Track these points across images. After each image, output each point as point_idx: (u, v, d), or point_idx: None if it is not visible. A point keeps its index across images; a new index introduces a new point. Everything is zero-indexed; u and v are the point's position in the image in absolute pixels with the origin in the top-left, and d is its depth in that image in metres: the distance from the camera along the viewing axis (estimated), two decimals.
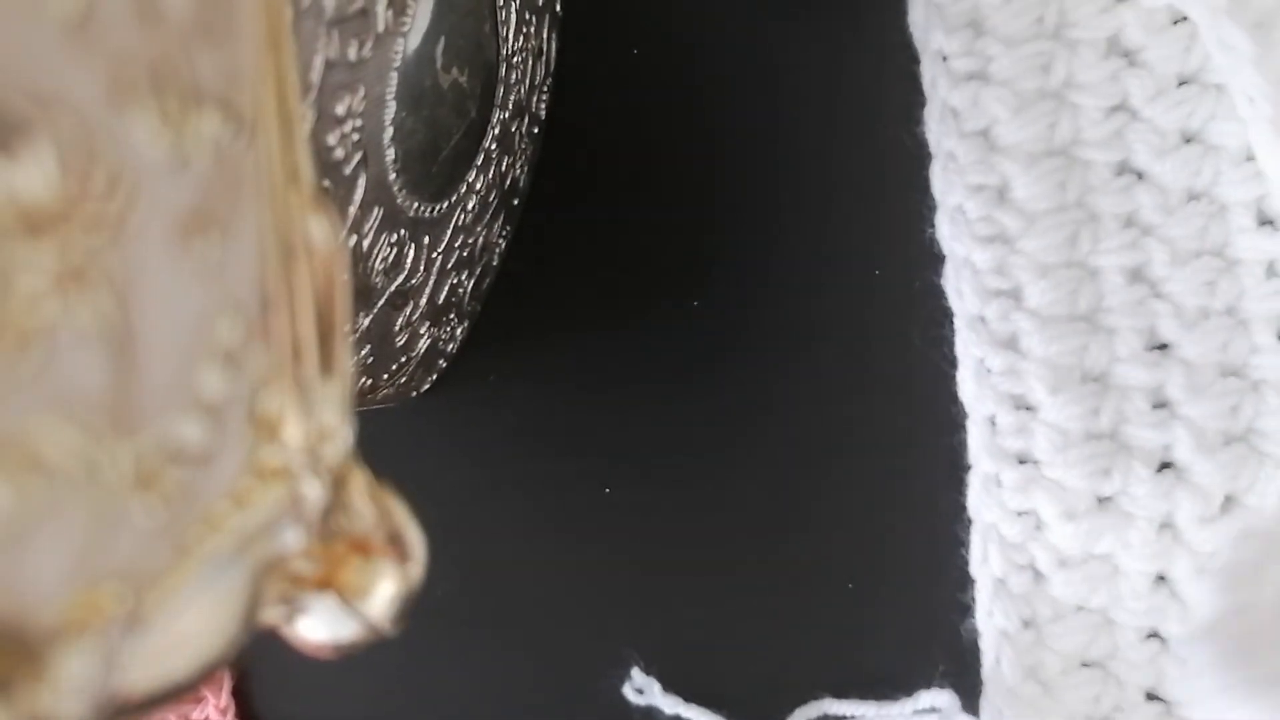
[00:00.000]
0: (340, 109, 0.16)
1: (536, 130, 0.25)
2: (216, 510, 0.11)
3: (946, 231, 0.23)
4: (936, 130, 0.23)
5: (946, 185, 0.23)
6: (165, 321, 0.10)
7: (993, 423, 0.23)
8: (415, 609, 0.13)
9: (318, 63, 0.15)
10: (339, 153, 0.16)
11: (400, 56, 0.17)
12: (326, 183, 0.16)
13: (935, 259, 0.24)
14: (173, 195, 0.10)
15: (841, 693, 0.24)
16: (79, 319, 0.09)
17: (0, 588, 0.09)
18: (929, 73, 0.24)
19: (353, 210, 0.17)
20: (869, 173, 0.24)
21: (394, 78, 0.17)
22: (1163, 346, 0.23)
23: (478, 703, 0.26)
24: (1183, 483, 0.22)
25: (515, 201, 0.25)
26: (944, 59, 0.23)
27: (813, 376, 0.24)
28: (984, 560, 0.23)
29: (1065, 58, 0.23)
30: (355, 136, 0.16)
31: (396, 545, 0.13)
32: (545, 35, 0.24)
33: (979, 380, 0.23)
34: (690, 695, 0.24)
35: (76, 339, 0.09)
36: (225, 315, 0.11)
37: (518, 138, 0.24)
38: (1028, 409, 0.23)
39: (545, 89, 0.25)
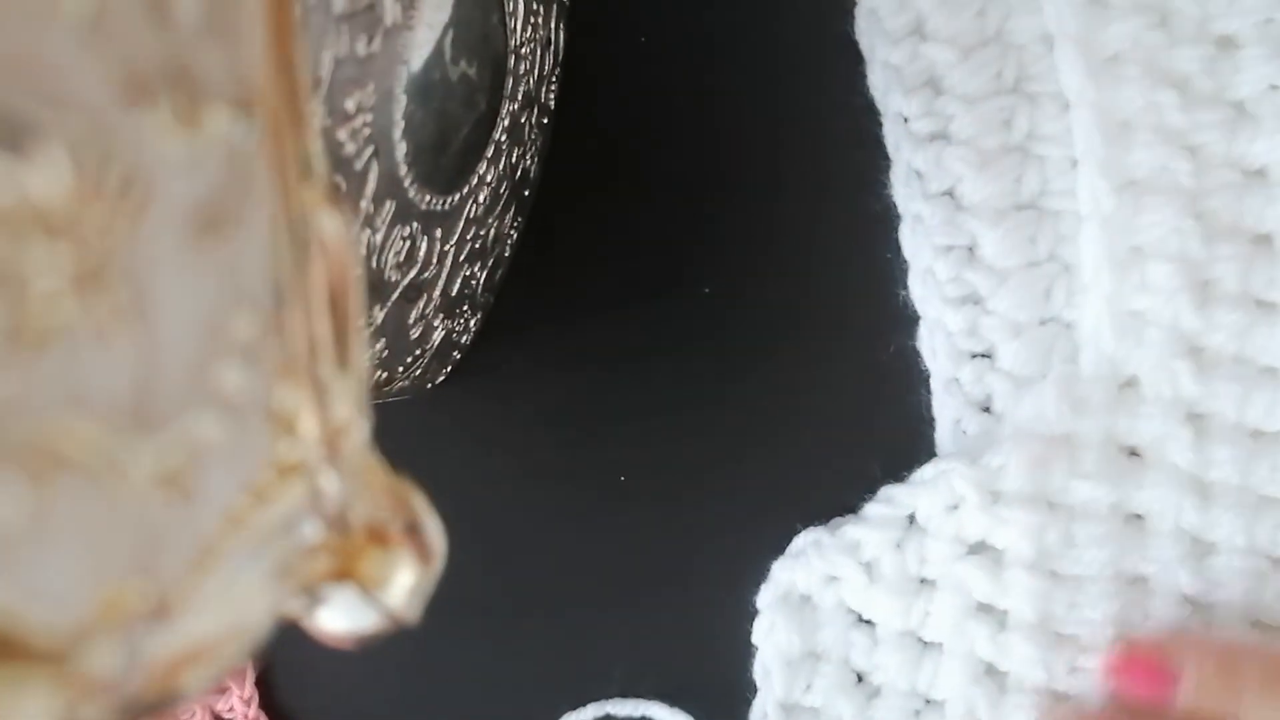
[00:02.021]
0: (350, 104, 0.16)
1: (546, 121, 0.25)
2: (237, 505, 0.11)
3: (918, 293, 0.23)
4: (903, 193, 0.23)
5: (915, 247, 0.23)
6: (182, 319, 0.10)
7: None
8: (432, 598, 0.13)
9: (327, 59, 0.15)
10: (350, 148, 0.16)
11: (409, 50, 0.17)
12: (338, 178, 0.16)
13: (910, 321, 0.24)
14: (186, 193, 0.10)
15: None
16: (97, 318, 0.09)
17: (26, 586, 0.09)
18: (891, 136, 0.23)
19: (365, 204, 0.17)
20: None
21: (403, 72, 0.17)
22: None
23: (496, 689, 0.26)
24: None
25: (526, 192, 0.25)
26: (905, 121, 0.23)
27: (821, 367, 0.24)
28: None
29: (1027, 111, 0.23)
30: (366, 131, 0.16)
31: (414, 536, 0.13)
32: (553, 26, 0.24)
33: (956, 443, 0.23)
34: (706, 681, 0.24)
35: (95, 338, 0.09)
36: (241, 311, 0.11)
37: (527, 129, 0.24)
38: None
39: (554, 79, 0.25)
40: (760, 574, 0.24)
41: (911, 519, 0.23)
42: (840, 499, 0.24)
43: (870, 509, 0.23)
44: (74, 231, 0.08)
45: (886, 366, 0.24)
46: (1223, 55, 0.21)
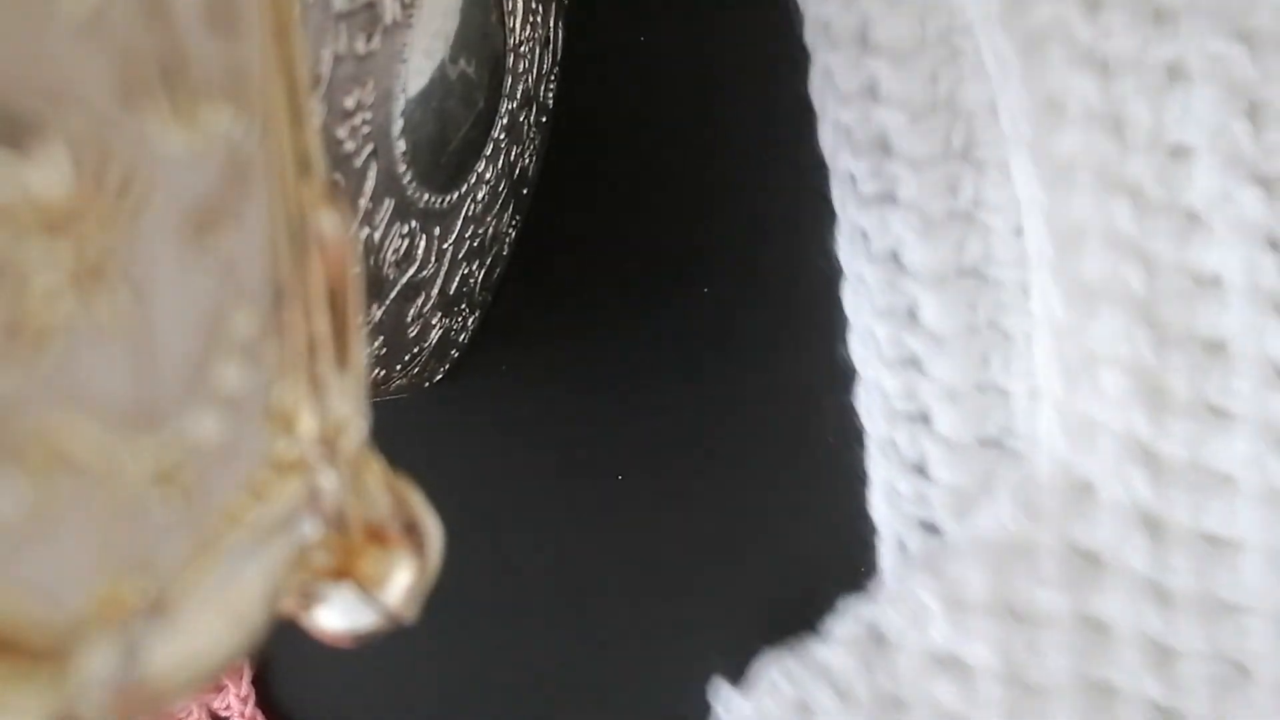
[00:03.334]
0: (349, 102, 0.16)
1: (545, 119, 0.25)
2: (235, 503, 0.11)
3: (858, 353, 0.23)
4: (847, 251, 0.23)
5: (856, 307, 0.23)
6: (181, 316, 0.10)
7: (903, 545, 0.23)
8: (431, 597, 0.13)
9: (326, 56, 0.15)
10: (349, 146, 0.16)
11: (408, 49, 0.17)
12: (337, 175, 0.16)
13: (849, 376, 0.24)
14: (186, 191, 0.10)
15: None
16: (97, 316, 0.09)
17: (24, 583, 0.09)
18: (838, 194, 0.23)
19: (364, 203, 0.17)
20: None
21: (402, 70, 0.17)
22: None
23: (494, 688, 0.26)
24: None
25: (524, 191, 0.25)
26: (852, 180, 0.23)
27: (819, 367, 0.25)
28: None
29: (973, 177, 0.22)
30: (365, 129, 0.16)
31: (413, 534, 0.13)
32: (552, 24, 0.24)
33: (890, 503, 0.23)
34: (706, 679, 0.24)
35: (94, 336, 0.09)
36: (240, 309, 0.11)
37: (526, 127, 0.24)
38: (936, 533, 0.23)
39: (553, 78, 0.25)
40: (760, 568, 0.24)
41: (878, 635, 0.23)
42: (849, 474, 0.24)
43: (838, 629, 0.23)
44: (74, 229, 0.08)
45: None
46: (1175, 164, 0.21)
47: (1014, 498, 0.22)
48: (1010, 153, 0.22)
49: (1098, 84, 0.21)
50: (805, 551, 0.24)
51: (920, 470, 0.23)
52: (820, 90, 0.23)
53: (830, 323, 0.24)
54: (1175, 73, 0.21)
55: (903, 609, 0.22)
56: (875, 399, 0.23)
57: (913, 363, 0.23)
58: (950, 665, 0.22)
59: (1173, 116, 0.21)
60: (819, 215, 0.25)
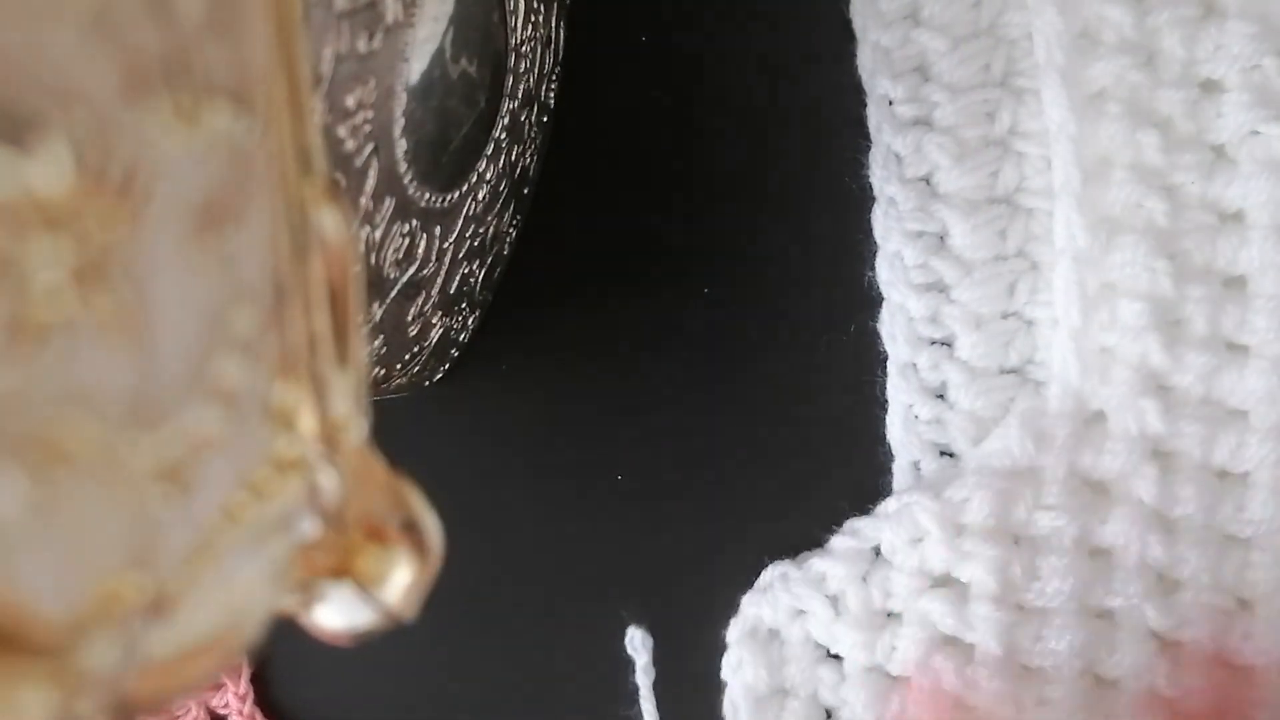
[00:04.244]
0: (351, 101, 0.16)
1: (546, 119, 0.25)
2: (235, 501, 0.11)
3: (884, 276, 0.23)
4: (879, 175, 0.23)
5: (886, 230, 0.23)
6: (182, 314, 0.10)
7: (917, 468, 0.23)
8: (430, 595, 0.13)
9: (328, 55, 0.15)
10: (350, 144, 0.16)
11: (409, 48, 0.17)
12: (338, 174, 0.16)
13: (875, 302, 0.24)
14: (187, 188, 0.10)
15: None
16: (97, 313, 0.09)
17: (24, 580, 0.09)
18: (874, 117, 0.23)
19: (364, 201, 0.17)
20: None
21: (404, 69, 0.17)
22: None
23: (494, 687, 0.26)
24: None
25: (525, 190, 0.25)
26: (889, 103, 0.23)
27: (820, 365, 0.25)
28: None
29: (1011, 106, 0.22)
30: (366, 128, 0.16)
31: (412, 533, 0.13)
32: (553, 24, 0.24)
33: (906, 427, 0.23)
34: (700, 677, 0.24)
35: (96, 333, 0.09)
36: (240, 307, 0.11)
37: (527, 127, 0.24)
38: (951, 457, 0.23)
39: (554, 78, 0.25)
40: (761, 564, 0.24)
41: (876, 551, 0.23)
42: (840, 477, 0.24)
43: (836, 542, 0.23)
44: (75, 226, 0.08)
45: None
46: (1206, 99, 0.21)
47: (1022, 425, 0.22)
48: (1042, 79, 0.22)
49: (1133, 15, 0.22)
50: (813, 542, 0.24)
51: (940, 395, 0.23)
52: (861, 12, 0.23)
53: (834, 320, 0.24)
54: (1209, 7, 0.21)
55: (899, 529, 0.23)
56: (899, 322, 0.23)
57: (939, 287, 0.23)
58: (944, 584, 0.23)
59: (1205, 51, 0.21)
60: (822, 214, 0.25)
